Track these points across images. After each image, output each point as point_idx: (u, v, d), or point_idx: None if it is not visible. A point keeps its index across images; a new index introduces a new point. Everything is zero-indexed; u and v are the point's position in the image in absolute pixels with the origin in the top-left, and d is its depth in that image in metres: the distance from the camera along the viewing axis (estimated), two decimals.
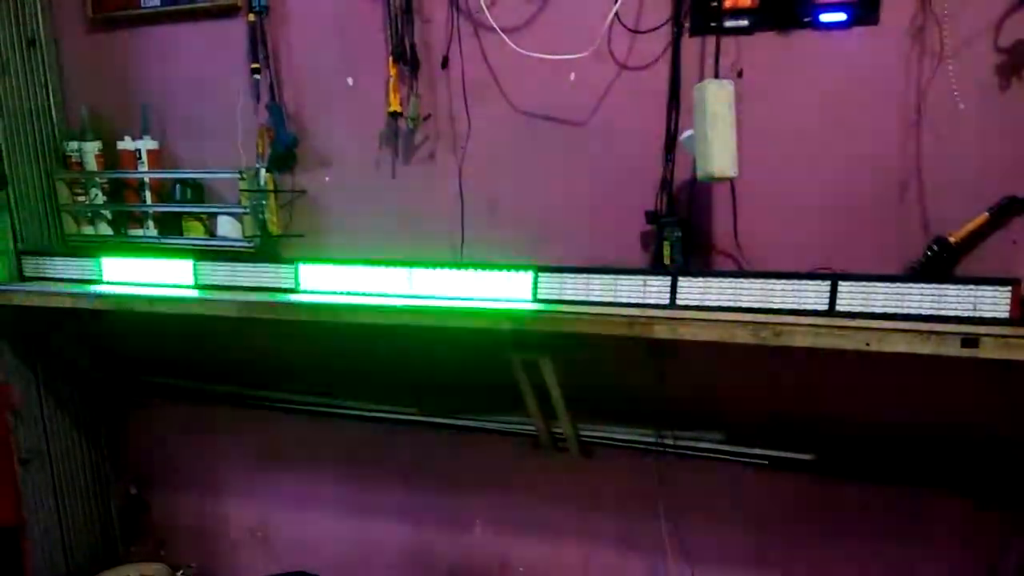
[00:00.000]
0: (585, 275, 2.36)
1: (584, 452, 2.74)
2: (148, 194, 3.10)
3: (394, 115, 2.70)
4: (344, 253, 2.83)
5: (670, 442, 2.57)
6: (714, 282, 2.21)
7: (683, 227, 2.39)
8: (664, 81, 2.40)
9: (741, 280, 2.19)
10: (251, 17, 2.84)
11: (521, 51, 2.49)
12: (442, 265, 2.53)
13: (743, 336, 2.01)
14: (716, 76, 2.24)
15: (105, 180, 3.15)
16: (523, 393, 2.55)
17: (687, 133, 2.28)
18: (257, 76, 2.89)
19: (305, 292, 2.70)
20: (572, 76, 2.52)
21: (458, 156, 2.71)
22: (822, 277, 2.11)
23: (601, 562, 2.92)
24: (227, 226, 2.99)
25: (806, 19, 2.23)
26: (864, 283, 2.06)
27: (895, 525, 2.46)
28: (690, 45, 2.37)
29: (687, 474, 2.64)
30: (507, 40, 2.51)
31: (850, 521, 2.51)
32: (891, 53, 2.18)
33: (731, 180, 2.27)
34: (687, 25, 2.36)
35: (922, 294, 2.00)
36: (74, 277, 3.07)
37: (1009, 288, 1.92)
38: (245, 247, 2.94)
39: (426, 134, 2.75)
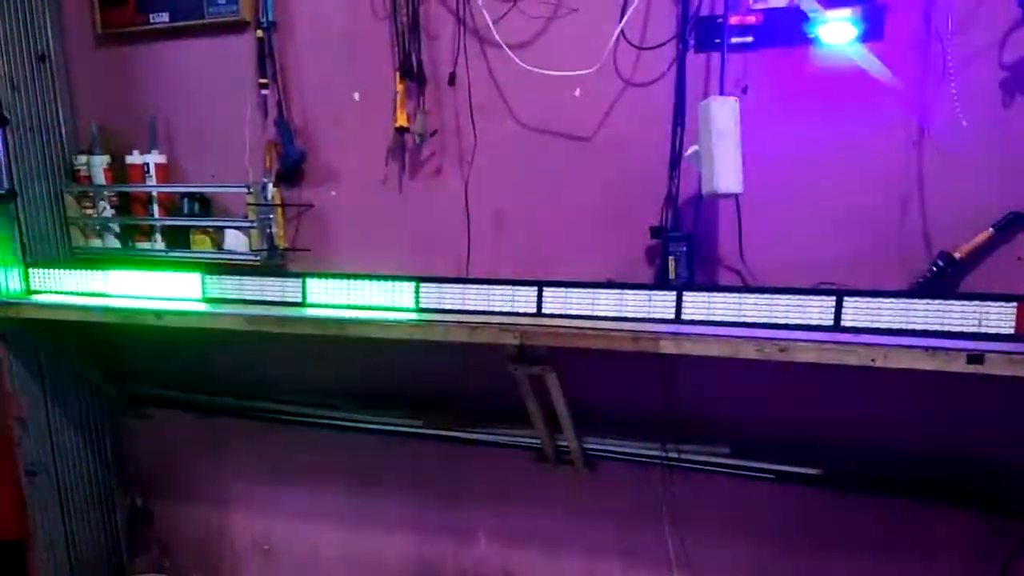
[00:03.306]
0: (590, 290, 2.37)
1: (589, 465, 2.74)
2: (156, 207, 3.13)
3: (401, 130, 2.72)
4: (350, 267, 2.85)
5: (675, 455, 2.57)
6: (719, 297, 2.22)
7: (688, 242, 2.40)
8: (669, 97, 2.42)
9: (746, 295, 2.20)
10: (259, 33, 2.87)
11: (527, 67, 2.51)
12: (448, 280, 2.54)
13: (748, 351, 2.02)
14: (721, 92, 2.25)
15: (113, 193, 3.17)
16: (528, 407, 2.56)
17: (692, 149, 2.29)
18: (265, 91, 2.91)
19: (312, 306, 2.71)
20: (577, 92, 2.54)
21: (464, 171, 2.73)
22: (827, 292, 2.12)
23: (605, 575, 2.92)
24: (234, 240, 3.02)
25: (811, 36, 2.25)
26: (869, 299, 2.07)
27: (902, 538, 2.46)
28: (695, 61, 2.39)
29: (692, 487, 2.65)
30: (513, 56, 2.53)
31: (857, 535, 2.51)
32: (895, 69, 2.19)
33: (736, 196, 2.29)
34: (692, 42, 2.38)
35: (927, 310, 2.01)
36: (82, 290, 3.08)
37: (1014, 304, 1.92)
38: (252, 261, 2.96)
39: (432, 149, 2.77)
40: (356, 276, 2.68)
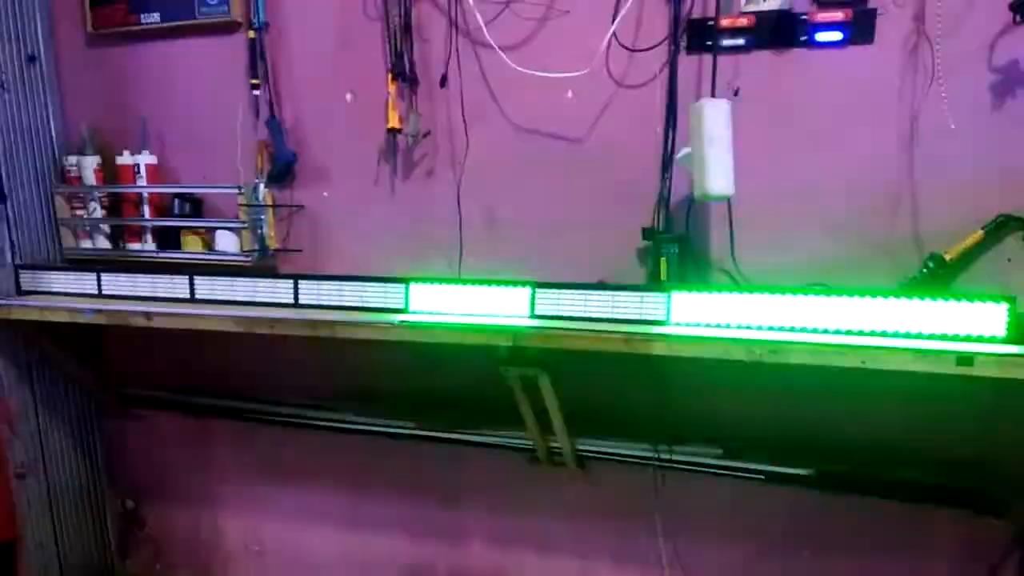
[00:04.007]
0: (582, 291, 2.36)
1: (581, 466, 2.74)
2: (147, 208, 3.11)
3: (393, 132, 2.71)
4: (342, 268, 2.84)
5: (667, 457, 2.57)
6: (710, 298, 2.22)
7: (680, 243, 2.41)
8: (661, 99, 2.42)
9: (737, 296, 2.20)
10: (251, 33, 2.86)
11: (519, 69, 2.51)
12: (440, 281, 2.54)
13: (739, 353, 2.02)
14: (713, 95, 2.26)
15: (104, 194, 3.16)
16: (521, 408, 2.55)
17: (684, 151, 2.29)
18: (256, 92, 2.91)
19: (303, 307, 2.70)
20: (570, 94, 2.54)
21: (456, 172, 2.72)
22: (817, 294, 2.12)
23: None
24: (225, 241, 3.00)
25: (802, 38, 2.26)
26: (860, 299, 2.07)
27: (894, 538, 2.47)
28: (687, 64, 2.39)
29: (684, 489, 2.65)
30: (505, 58, 2.53)
31: (849, 535, 2.52)
32: (886, 72, 2.20)
33: (727, 198, 2.29)
34: (684, 44, 2.38)
35: (918, 311, 2.01)
36: (72, 291, 3.06)
37: (1005, 306, 1.93)
38: (243, 262, 2.94)
39: (425, 151, 2.76)
40: (347, 277, 2.67)
